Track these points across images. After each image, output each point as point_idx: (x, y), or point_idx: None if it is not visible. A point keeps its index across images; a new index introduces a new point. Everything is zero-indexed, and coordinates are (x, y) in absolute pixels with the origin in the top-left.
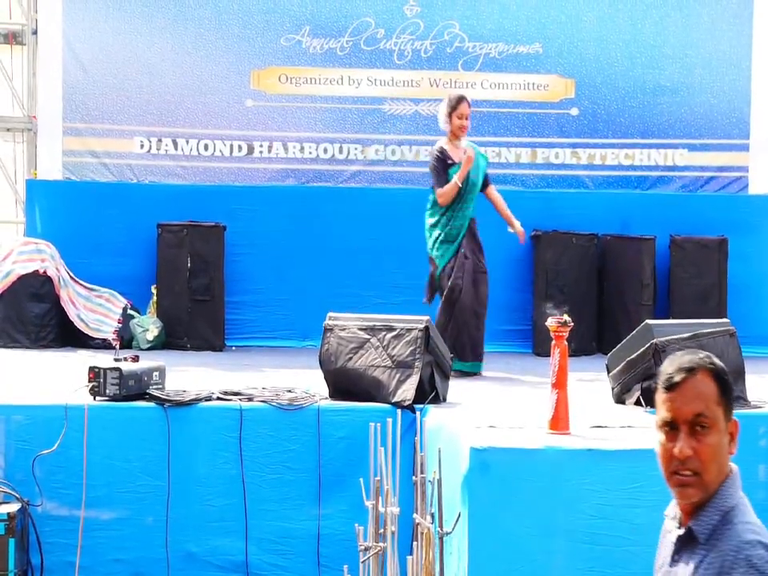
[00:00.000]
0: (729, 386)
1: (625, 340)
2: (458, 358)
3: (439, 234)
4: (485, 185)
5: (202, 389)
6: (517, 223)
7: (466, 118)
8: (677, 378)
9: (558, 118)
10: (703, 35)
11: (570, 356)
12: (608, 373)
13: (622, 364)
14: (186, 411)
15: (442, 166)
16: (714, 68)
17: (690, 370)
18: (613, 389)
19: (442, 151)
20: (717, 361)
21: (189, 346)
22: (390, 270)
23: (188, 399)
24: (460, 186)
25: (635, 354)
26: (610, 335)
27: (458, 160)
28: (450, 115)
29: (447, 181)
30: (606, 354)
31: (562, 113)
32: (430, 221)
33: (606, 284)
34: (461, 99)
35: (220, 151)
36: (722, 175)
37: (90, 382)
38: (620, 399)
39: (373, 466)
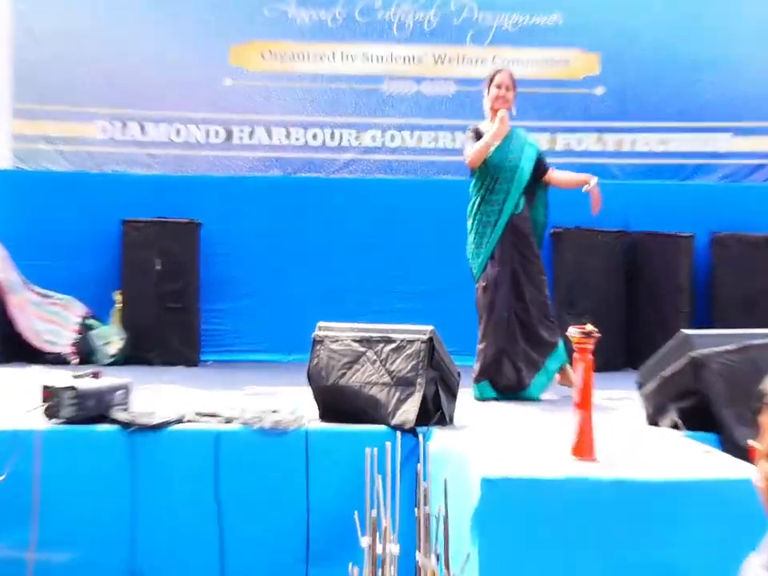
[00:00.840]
0: None
1: (659, 353)
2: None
3: (472, 231)
4: (542, 173)
5: (172, 410)
6: (593, 180)
7: (507, 88)
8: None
9: (580, 98)
10: (748, 1)
11: (596, 371)
12: (639, 391)
13: (656, 381)
14: (154, 436)
15: (475, 138)
16: (761, 39)
17: None
18: (645, 409)
19: (476, 129)
20: None
21: (158, 360)
22: (389, 273)
23: (156, 422)
24: (491, 144)
25: (671, 370)
26: (642, 347)
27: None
28: (488, 88)
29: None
30: (638, 369)
31: (586, 92)
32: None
33: (637, 288)
34: (499, 70)
35: (194, 137)
36: None
37: (43, 402)
38: (654, 421)
39: (369, 497)
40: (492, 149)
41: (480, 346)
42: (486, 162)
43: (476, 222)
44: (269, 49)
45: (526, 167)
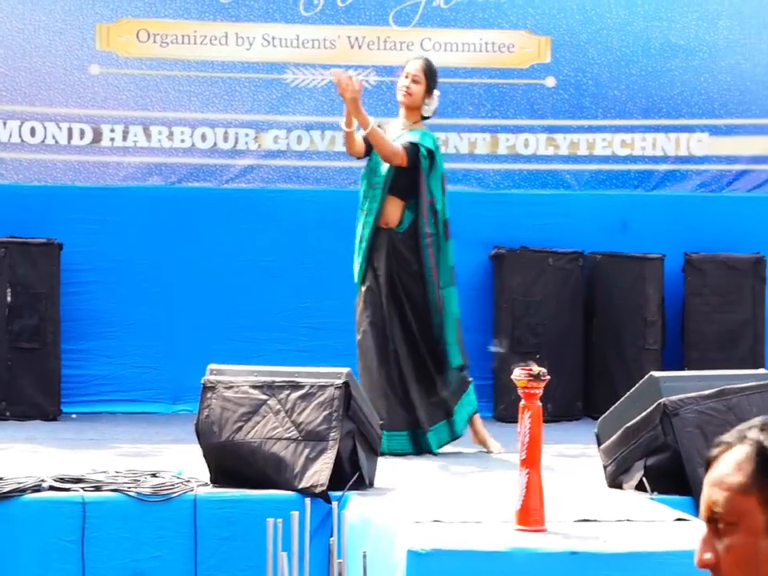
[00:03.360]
0: None
1: (622, 399)
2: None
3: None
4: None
5: (27, 475)
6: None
7: (414, 80)
8: (712, 453)
9: (527, 90)
10: None
11: (546, 422)
12: (599, 445)
13: (619, 433)
14: (4, 507)
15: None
16: (744, 20)
17: (728, 444)
18: (605, 467)
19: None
20: None
21: (8, 413)
22: (296, 303)
23: (6, 490)
24: (345, 129)
25: (636, 419)
26: (602, 392)
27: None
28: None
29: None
30: (596, 419)
31: (534, 83)
32: None
33: (595, 321)
34: (415, 58)
35: (53, 137)
36: (757, 168)
37: None
38: (615, 482)
39: None
40: (350, 138)
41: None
42: (364, 170)
43: (356, 240)
44: (146, 29)
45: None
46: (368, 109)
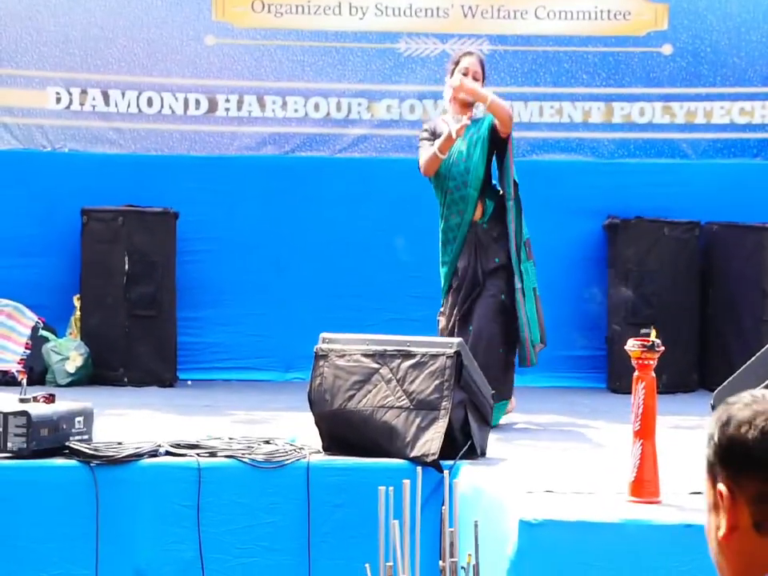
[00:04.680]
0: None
1: (739, 371)
2: None
3: (441, 241)
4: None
5: (144, 440)
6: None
7: (474, 77)
8: None
9: (643, 59)
10: None
11: (661, 393)
12: None
13: None
14: (122, 471)
15: (431, 140)
16: None
17: None
18: None
19: (431, 128)
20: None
21: (126, 379)
22: (407, 273)
23: (124, 455)
24: (441, 156)
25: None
26: (718, 364)
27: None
28: (451, 73)
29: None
30: (713, 391)
31: (650, 51)
32: None
33: (711, 292)
34: (466, 54)
35: (170, 108)
36: None
37: None
38: None
39: (383, 545)
40: (443, 158)
41: None
42: (435, 180)
43: (442, 239)
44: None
45: (477, 156)
46: None
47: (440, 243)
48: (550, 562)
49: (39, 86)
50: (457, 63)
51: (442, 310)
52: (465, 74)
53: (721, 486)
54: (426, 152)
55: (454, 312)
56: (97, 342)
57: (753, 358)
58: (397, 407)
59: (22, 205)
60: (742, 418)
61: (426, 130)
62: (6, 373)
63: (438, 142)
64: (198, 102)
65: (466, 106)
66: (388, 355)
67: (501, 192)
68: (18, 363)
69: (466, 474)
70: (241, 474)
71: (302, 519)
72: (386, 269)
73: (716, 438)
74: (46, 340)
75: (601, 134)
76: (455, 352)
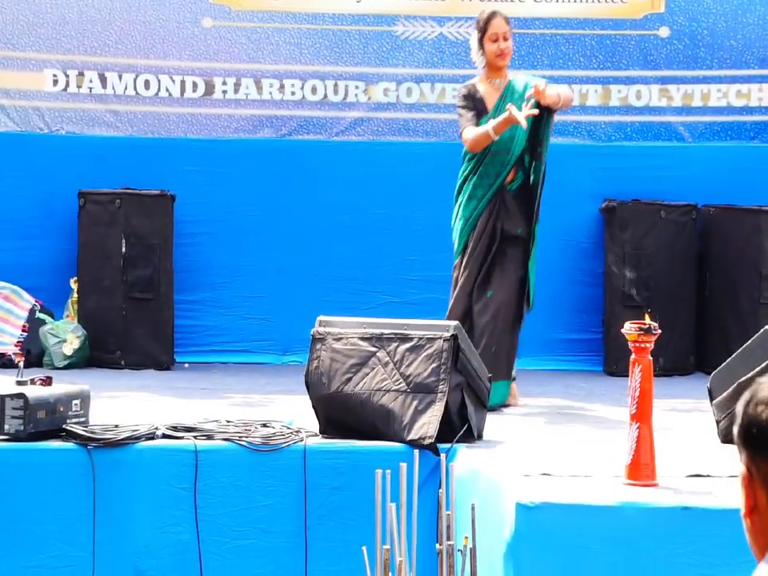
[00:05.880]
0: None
1: (736, 353)
2: None
3: (458, 206)
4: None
5: (141, 423)
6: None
7: (504, 39)
8: None
9: (640, 41)
10: None
11: (658, 376)
12: (711, 400)
13: (732, 387)
14: (119, 454)
15: (471, 106)
16: None
17: None
18: (718, 422)
19: (470, 90)
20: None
21: (123, 362)
22: (404, 256)
23: (121, 438)
24: (494, 138)
25: (751, 374)
26: (715, 347)
27: (491, 107)
28: (481, 42)
29: (478, 125)
30: (709, 374)
31: (647, 34)
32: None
33: (709, 275)
34: (491, 16)
35: (167, 90)
36: None
37: None
38: (728, 437)
39: (380, 528)
40: (496, 140)
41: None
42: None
43: (461, 206)
44: None
45: (521, 131)
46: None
47: (462, 198)
48: (546, 544)
49: (36, 68)
50: (484, 30)
51: (456, 263)
52: (495, 41)
53: (741, 466)
54: (475, 129)
55: (473, 271)
56: (94, 324)
57: (750, 341)
58: (394, 390)
59: (19, 187)
60: (761, 398)
61: (464, 96)
62: (3, 355)
63: (493, 122)
64: (195, 85)
65: (501, 69)
66: (385, 338)
67: (531, 163)
68: (15, 346)
69: (463, 457)
70: (238, 457)
71: (298, 502)
72: (384, 252)
73: (740, 417)
74: (43, 322)
75: (598, 117)
76: (452, 335)
